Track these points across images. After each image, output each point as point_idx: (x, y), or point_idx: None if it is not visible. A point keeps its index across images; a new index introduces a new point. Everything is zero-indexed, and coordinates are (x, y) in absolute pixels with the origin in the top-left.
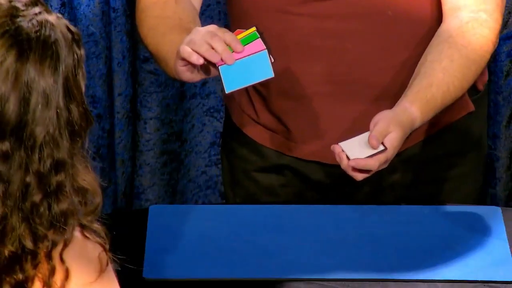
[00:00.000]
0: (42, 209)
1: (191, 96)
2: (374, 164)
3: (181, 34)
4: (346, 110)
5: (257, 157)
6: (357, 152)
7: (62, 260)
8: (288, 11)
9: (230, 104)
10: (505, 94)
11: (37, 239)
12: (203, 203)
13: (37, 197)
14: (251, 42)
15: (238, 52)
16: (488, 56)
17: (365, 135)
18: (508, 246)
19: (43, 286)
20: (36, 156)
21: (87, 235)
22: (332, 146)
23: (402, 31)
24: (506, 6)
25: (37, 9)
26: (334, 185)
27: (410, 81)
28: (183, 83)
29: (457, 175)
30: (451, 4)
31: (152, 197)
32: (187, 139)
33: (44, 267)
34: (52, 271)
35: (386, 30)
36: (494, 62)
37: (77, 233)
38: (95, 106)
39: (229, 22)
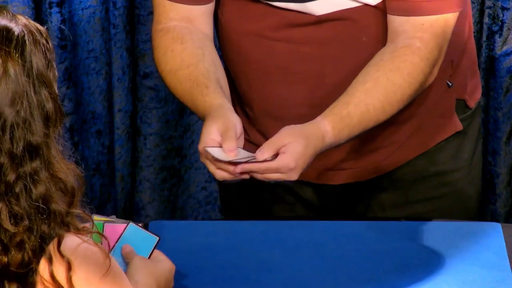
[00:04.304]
0: (17, 189)
1: (191, 112)
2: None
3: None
4: None
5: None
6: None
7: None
8: (265, 36)
9: None
10: (505, 110)
11: (16, 220)
12: (203, 218)
13: (10, 177)
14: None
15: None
16: (416, 84)
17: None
18: (509, 263)
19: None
20: (7, 136)
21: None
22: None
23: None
24: (505, 23)
25: (8, 16)
26: (324, 203)
27: None
28: None
29: (448, 194)
30: (393, 29)
31: (152, 213)
32: (187, 155)
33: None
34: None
35: (361, 55)
36: (493, 78)
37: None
38: (95, 122)
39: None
